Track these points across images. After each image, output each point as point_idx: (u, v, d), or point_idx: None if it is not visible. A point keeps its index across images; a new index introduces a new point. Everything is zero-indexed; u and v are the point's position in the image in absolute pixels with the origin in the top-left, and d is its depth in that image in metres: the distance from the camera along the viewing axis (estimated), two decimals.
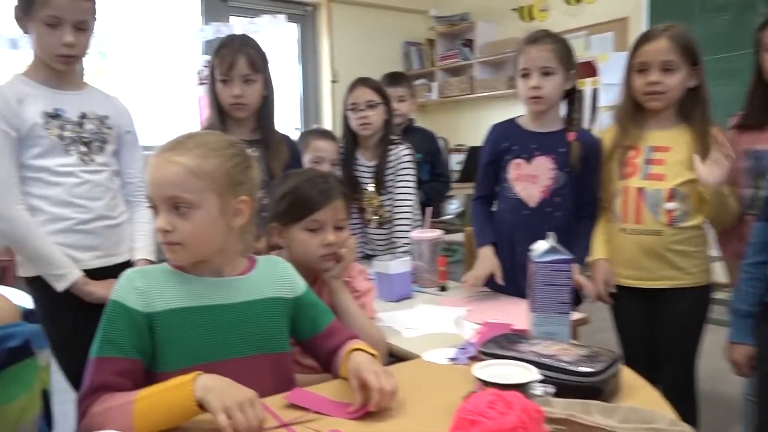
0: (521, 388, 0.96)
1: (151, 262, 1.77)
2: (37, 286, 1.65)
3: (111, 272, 1.70)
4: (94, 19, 1.67)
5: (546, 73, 1.81)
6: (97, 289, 1.63)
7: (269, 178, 1.83)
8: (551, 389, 1.00)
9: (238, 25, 4.78)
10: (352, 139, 2.39)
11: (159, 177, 1.08)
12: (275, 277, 1.22)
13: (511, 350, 1.14)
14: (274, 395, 1.12)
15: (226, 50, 1.88)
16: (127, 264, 1.75)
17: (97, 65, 4.53)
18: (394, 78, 2.94)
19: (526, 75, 1.83)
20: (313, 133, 2.51)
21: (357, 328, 1.36)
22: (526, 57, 1.83)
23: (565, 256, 1.32)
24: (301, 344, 1.27)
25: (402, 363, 1.39)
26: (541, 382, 1.00)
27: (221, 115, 1.92)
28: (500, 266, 1.87)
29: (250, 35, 2.03)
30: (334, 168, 2.32)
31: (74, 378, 1.67)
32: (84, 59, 1.71)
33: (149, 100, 4.65)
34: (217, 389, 0.96)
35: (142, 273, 1.12)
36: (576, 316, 1.58)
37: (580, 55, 4.28)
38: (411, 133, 2.90)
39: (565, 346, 1.16)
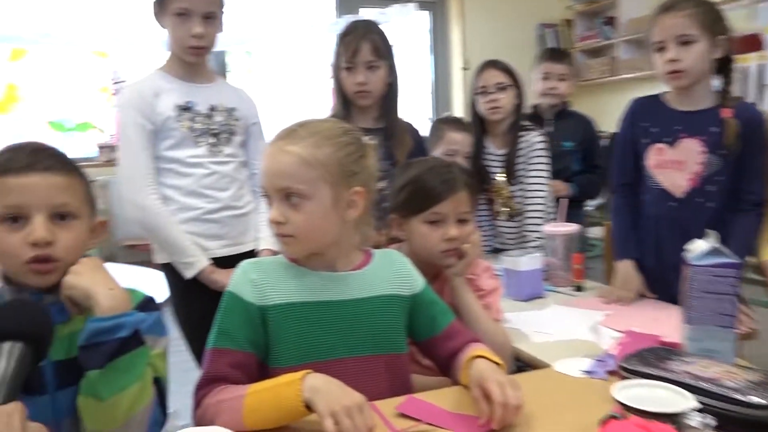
0: (673, 418, 0.80)
1: (275, 253, 1.78)
2: (169, 272, 1.73)
3: (237, 261, 1.73)
4: (222, 11, 1.70)
5: (684, 42, 1.55)
6: (222, 277, 1.66)
7: (392, 167, 1.76)
8: (712, 422, 0.83)
9: (369, 17, 4.79)
10: (480, 126, 2.26)
11: (271, 167, 1.04)
12: (392, 273, 1.15)
13: (660, 369, 0.98)
14: (388, 398, 1.05)
15: (350, 37, 1.84)
16: (252, 253, 1.78)
17: (244, 63, 4.78)
18: (555, 54, 2.70)
19: (661, 48, 1.59)
20: (448, 123, 2.36)
21: (480, 331, 1.26)
22: (660, 27, 1.59)
23: (730, 259, 1.12)
24: (417, 345, 1.20)
25: (530, 372, 1.27)
26: (699, 411, 0.84)
27: (345, 104, 1.89)
28: (644, 281, 1.67)
29: (378, 23, 1.97)
30: (466, 161, 2.20)
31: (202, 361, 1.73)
32: (228, 56, 1.76)
33: (290, 94, 4.83)
34: (324, 391, 0.91)
35: (257, 265, 1.10)
36: (743, 329, 1.35)
37: (744, 27, 3.79)
38: (565, 117, 2.64)
39: (729, 367, 0.97)
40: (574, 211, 2.15)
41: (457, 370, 1.11)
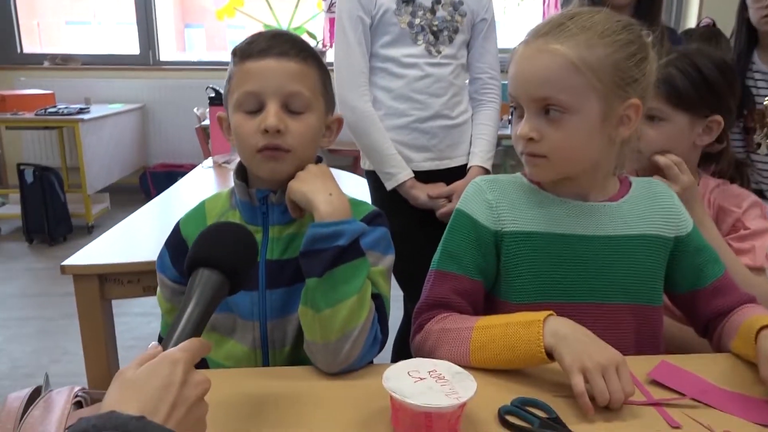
0: None
1: (486, 171, 1.62)
2: (372, 180, 1.65)
3: (443, 176, 1.61)
4: None
5: None
6: (420, 193, 1.55)
7: None
8: None
9: None
10: (747, 37, 1.84)
11: (527, 71, 0.86)
12: (655, 208, 0.94)
13: None
14: (632, 355, 0.88)
15: None
16: (462, 169, 1.64)
17: None
18: None
19: None
20: (702, 41, 1.92)
21: None
22: None
23: None
24: (673, 297, 0.99)
25: None
26: None
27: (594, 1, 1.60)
28: None
29: None
30: None
31: (399, 277, 1.67)
32: None
33: None
34: (572, 340, 0.77)
35: (493, 183, 0.95)
36: None
37: None
38: None
39: None
40: None
41: (728, 335, 0.90)
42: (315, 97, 0.91)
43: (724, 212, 1.18)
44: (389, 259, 0.93)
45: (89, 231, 3.73)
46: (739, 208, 1.18)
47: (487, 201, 0.93)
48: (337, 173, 2.53)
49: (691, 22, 4.41)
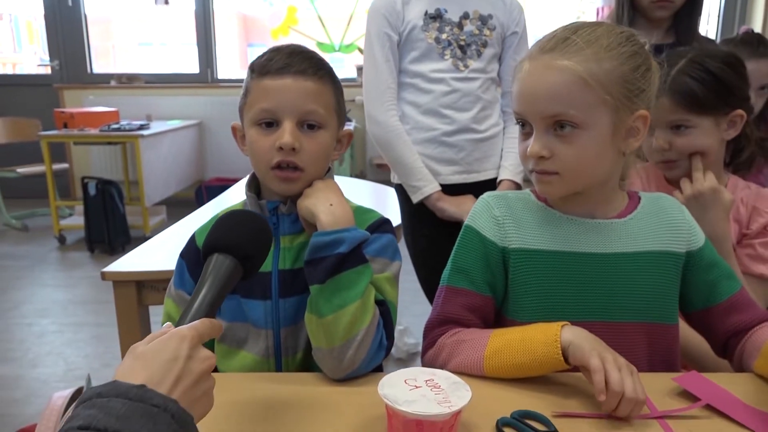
0: None
1: (517, 186, 1.63)
2: (401, 193, 1.68)
3: (472, 190, 1.62)
4: None
5: None
6: (449, 206, 1.57)
7: None
8: None
9: None
10: None
11: (536, 88, 0.85)
12: (663, 223, 0.93)
13: None
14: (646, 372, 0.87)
15: None
16: (491, 183, 1.65)
17: None
18: None
19: None
20: (740, 47, 1.87)
21: None
22: None
23: None
24: (687, 315, 0.97)
25: None
26: None
27: (632, 15, 1.58)
28: None
29: None
30: (761, 94, 1.72)
31: (427, 290, 1.69)
32: None
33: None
34: (592, 340, 0.79)
35: (500, 200, 0.96)
36: None
37: None
38: None
39: None
40: None
41: (747, 355, 0.88)
42: (329, 114, 0.94)
43: (758, 212, 1.18)
44: (396, 265, 0.95)
45: (146, 242, 3.90)
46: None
47: (494, 217, 0.93)
48: (381, 188, 2.57)
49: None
